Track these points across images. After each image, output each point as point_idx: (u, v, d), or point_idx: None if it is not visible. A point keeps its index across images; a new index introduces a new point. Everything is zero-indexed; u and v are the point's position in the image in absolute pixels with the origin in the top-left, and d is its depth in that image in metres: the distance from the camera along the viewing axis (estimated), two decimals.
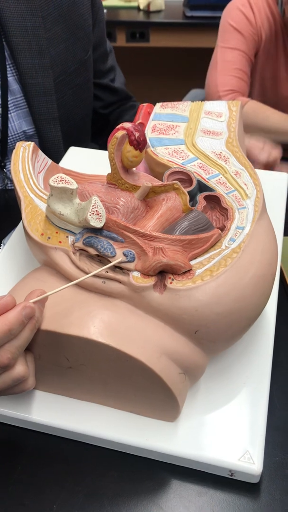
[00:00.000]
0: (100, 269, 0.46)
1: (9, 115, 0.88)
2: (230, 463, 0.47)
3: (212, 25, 1.87)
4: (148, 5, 2.08)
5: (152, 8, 2.08)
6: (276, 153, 0.99)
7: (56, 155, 0.85)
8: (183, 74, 2.41)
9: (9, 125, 0.89)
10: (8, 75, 0.85)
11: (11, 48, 0.83)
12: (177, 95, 1.70)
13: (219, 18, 1.33)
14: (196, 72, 1.89)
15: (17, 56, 0.83)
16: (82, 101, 0.98)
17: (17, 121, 0.89)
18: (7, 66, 0.84)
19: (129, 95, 1.11)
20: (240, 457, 0.47)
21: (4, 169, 0.92)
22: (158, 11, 2.10)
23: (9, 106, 0.87)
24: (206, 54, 1.52)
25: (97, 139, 1.16)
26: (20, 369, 0.44)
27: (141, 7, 2.10)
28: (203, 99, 0.75)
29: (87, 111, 1.02)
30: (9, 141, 0.90)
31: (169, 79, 2.47)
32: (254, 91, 1.36)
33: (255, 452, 0.47)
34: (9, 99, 0.86)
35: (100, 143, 1.17)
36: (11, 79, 0.86)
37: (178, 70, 2.44)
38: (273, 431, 0.51)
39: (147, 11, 2.09)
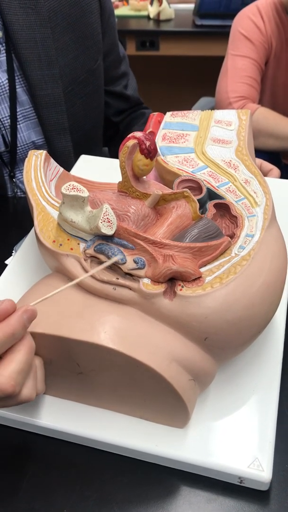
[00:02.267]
0: (99, 268, 0.46)
1: (18, 126, 0.88)
2: (240, 470, 0.47)
3: (221, 34, 1.89)
4: (158, 14, 2.09)
5: (162, 17, 2.10)
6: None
7: (66, 165, 0.86)
8: (193, 83, 2.42)
9: (18, 135, 0.89)
10: (17, 87, 0.86)
11: (20, 60, 0.83)
12: (187, 104, 1.71)
13: (229, 27, 1.35)
14: (206, 81, 1.91)
15: (26, 68, 0.84)
16: (93, 110, 0.98)
17: (26, 132, 0.90)
18: (16, 78, 0.85)
19: (140, 101, 1.11)
20: (250, 464, 0.47)
21: (14, 179, 0.93)
22: (168, 20, 2.12)
23: (18, 117, 0.88)
24: (215, 63, 1.53)
25: (108, 147, 1.16)
26: (26, 394, 0.43)
27: (151, 16, 2.12)
28: (213, 107, 0.75)
29: (98, 120, 1.02)
30: (18, 151, 0.91)
31: (179, 88, 2.49)
32: (265, 98, 1.37)
33: (265, 459, 0.47)
34: (18, 110, 0.87)
35: (111, 150, 1.17)
36: (20, 90, 0.86)
37: (188, 79, 2.45)
38: (283, 439, 0.51)
39: (157, 20, 2.11)
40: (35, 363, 0.46)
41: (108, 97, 1.04)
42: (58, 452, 0.51)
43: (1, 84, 0.84)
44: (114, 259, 0.46)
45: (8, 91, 0.85)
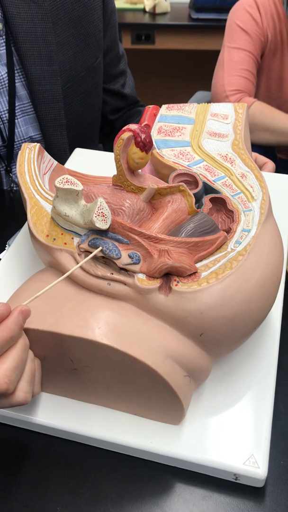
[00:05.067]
0: (88, 258, 0.46)
1: (16, 121, 0.88)
2: (235, 467, 0.46)
3: (217, 28, 1.87)
4: (154, 7, 2.08)
5: (157, 10, 2.08)
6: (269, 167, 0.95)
7: (62, 161, 0.85)
8: (189, 76, 2.41)
9: (16, 130, 0.88)
10: (16, 81, 0.85)
11: (20, 54, 0.82)
12: (182, 97, 1.70)
13: (225, 20, 1.33)
14: (202, 74, 1.89)
15: (26, 63, 0.83)
16: (91, 108, 0.98)
17: (24, 127, 0.89)
18: (15, 72, 0.84)
19: (137, 99, 1.10)
20: (245, 461, 0.46)
21: (10, 174, 0.92)
22: (164, 13, 2.10)
23: (16, 111, 0.87)
24: (211, 56, 1.52)
25: (103, 144, 1.16)
26: (20, 396, 0.43)
27: (147, 9, 2.10)
28: (208, 101, 0.74)
29: (95, 117, 1.02)
30: (15, 146, 0.90)
31: (175, 81, 2.47)
32: (259, 91, 1.36)
33: (260, 456, 0.47)
34: (16, 104, 0.86)
35: (106, 148, 1.16)
36: (19, 84, 0.85)
37: (184, 72, 2.44)
38: (278, 436, 0.51)
39: (153, 13, 2.09)
40: (33, 365, 0.45)
41: (106, 95, 1.04)
42: (52, 449, 0.50)
43: (1, 78, 0.83)
44: (98, 249, 0.46)
45: (7, 85, 0.84)
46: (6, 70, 0.83)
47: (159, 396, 0.46)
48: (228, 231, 0.51)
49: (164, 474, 0.48)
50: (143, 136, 0.50)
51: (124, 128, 0.51)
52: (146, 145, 0.51)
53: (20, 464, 0.49)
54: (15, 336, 0.42)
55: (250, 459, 0.46)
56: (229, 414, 0.50)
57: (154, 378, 0.44)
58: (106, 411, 0.51)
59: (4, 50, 0.82)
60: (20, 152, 0.60)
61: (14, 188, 0.94)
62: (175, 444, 0.48)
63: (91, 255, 0.46)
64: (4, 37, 0.81)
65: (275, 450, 0.50)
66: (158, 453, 0.48)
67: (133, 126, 0.51)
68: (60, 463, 0.49)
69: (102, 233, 0.48)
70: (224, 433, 0.48)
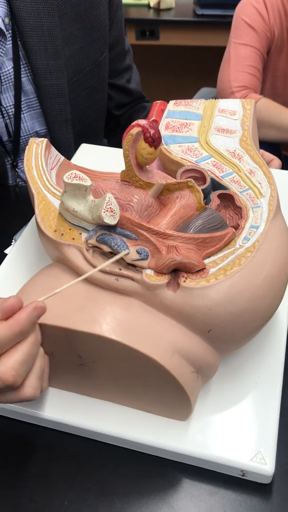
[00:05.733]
0: (108, 262, 0.46)
1: (22, 116, 0.87)
2: (242, 463, 0.46)
3: (222, 24, 1.86)
4: (159, 3, 2.07)
5: (162, 6, 2.07)
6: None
7: (67, 156, 0.85)
8: (193, 73, 2.40)
9: (22, 125, 0.88)
10: (22, 76, 0.84)
11: (26, 48, 0.82)
12: (187, 94, 1.69)
13: (230, 16, 1.33)
14: (206, 71, 1.89)
15: (32, 57, 0.82)
16: (96, 102, 0.97)
17: (30, 122, 0.89)
18: (21, 66, 0.84)
19: (142, 95, 1.10)
20: (252, 457, 0.46)
21: (16, 168, 0.92)
22: (169, 9, 2.09)
23: (22, 106, 0.87)
24: (216, 53, 1.51)
25: (108, 139, 1.16)
26: (29, 391, 0.42)
27: (152, 4, 2.09)
28: (213, 98, 0.74)
29: (100, 112, 1.01)
30: (21, 141, 0.90)
31: (179, 78, 2.47)
32: (265, 89, 1.36)
33: (267, 452, 0.47)
34: (22, 99, 0.86)
35: (110, 143, 1.16)
36: (25, 79, 0.85)
37: (188, 69, 2.43)
38: (285, 432, 0.51)
39: (158, 9, 2.09)
40: (43, 361, 0.45)
41: (111, 90, 1.03)
42: (59, 444, 0.50)
43: (7, 72, 0.83)
44: (123, 253, 0.45)
45: (13, 79, 0.83)
46: (12, 65, 0.83)
47: (166, 392, 0.46)
48: (236, 227, 0.51)
49: (171, 470, 0.48)
50: (152, 131, 0.50)
51: (133, 123, 0.51)
52: (155, 141, 0.51)
53: (27, 459, 0.49)
54: (25, 330, 0.41)
55: (257, 455, 0.46)
56: (236, 411, 0.50)
57: (161, 374, 0.44)
58: (113, 406, 0.51)
59: (11, 45, 0.82)
60: (27, 147, 0.60)
61: (20, 183, 0.94)
62: (182, 440, 0.48)
63: (115, 258, 0.46)
64: (10, 31, 0.81)
65: (282, 447, 0.50)
66: (165, 448, 0.48)
67: (142, 122, 0.51)
68: (66, 458, 0.50)
69: (110, 228, 0.48)
70: (231, 430, 0.48)
